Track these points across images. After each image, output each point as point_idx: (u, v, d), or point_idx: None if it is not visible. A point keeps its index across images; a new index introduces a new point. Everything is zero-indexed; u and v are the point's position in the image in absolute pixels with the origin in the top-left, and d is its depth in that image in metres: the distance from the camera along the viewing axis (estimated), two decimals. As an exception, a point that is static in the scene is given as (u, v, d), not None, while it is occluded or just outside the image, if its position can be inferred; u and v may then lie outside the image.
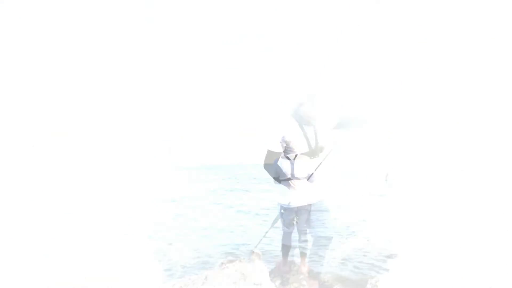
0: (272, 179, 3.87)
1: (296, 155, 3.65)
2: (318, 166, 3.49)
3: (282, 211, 3.69)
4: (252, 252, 2.91)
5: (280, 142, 3.78)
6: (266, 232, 3.75)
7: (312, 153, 3.79)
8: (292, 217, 3.63)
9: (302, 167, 3.59)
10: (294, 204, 3.56)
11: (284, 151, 3.72)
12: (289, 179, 3.59)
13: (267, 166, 3.81)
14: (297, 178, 3.57)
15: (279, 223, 3.84)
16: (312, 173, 3.69)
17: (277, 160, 3.72)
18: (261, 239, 3.63)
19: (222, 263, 2.80)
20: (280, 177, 3.69)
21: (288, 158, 3.63)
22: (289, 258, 3.85)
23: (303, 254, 3.69)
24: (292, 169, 3.57)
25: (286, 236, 3.70)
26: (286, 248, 3.70)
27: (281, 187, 3.70)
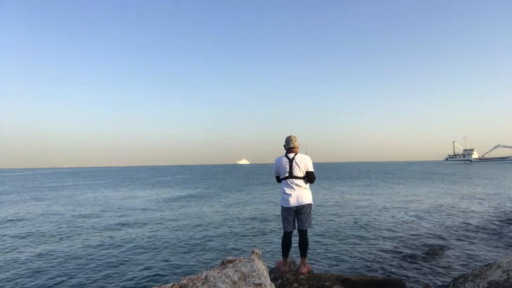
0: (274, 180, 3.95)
1: (295, 154, 3.70)
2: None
3: (282, 211, 3.70)
4: (252, 252, 2.93)
5: (284, 145, 3.83)
6: None
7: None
8: (292, 217, 3.66)
9: (301, 165, 3.63)
10: (294, 204, 3.59)
11: (286, 151, 3.77)
12: (287, 177, 3.63)
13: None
14: (296, 177, 3.61)
15: (280, 223, 3.87)
16: (312, 171, 3.73)
17: (278, 158, 3.76)
18: None
19: (222, 263, 2.80)
20: (280, 176, 3.74)
21: (287, 157, 3.68)
22: (289, 258, 3.88)
23: (303, 254, 3.70)
24: (291, 167, 3.61)
25: (286, 236, 3.70)
26: (286, 248, 3.71)
27: (281, 187, 3.72)
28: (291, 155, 3.69)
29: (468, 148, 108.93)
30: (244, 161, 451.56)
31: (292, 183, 3.61)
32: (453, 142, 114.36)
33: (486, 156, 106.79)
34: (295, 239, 3.74)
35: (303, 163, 3.66)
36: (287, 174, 3.64)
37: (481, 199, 15.46)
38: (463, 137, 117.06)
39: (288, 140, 3.77)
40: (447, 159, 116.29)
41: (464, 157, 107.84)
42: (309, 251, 4.07)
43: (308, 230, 3.72)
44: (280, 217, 3.78)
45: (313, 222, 3.94)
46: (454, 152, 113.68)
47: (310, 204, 3.69)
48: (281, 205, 3.70)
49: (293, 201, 3.58)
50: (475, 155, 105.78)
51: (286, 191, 3.63)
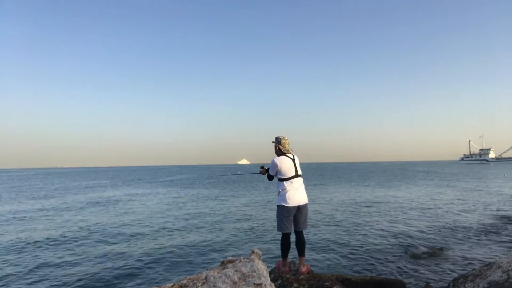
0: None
1: (293, 154, 3.83)
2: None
3: (283, 211, 3.70)
4: (252, 252, 3.07)
5: (274, 143, 3.89)
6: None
7: None
8: (292, 217, 3.72)
9: (298, 165, 3.80)
10: (298, 202, 3.67)
11: (280, 150, 3.83)
12: (294, 176, 3.70)
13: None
14: (300, 176, 3.76)
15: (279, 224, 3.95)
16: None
17: (281, 158, 3.76)
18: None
19: (222, 263, 2.90)
20: (283, 176, 3.71)
21: (288, 157, 3.77)
22: (289, 258, 3.98)
23: (301, 254, 3.82)
24: (295, 166, 3.76)
25: (286, 237, 3.77)
26: (286, 249, 3.80)
27: (283, 187, 3.71)
28: (290, 155, 3.81)
29: (484, 147, 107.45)
30: (244, 161, 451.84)
31: (297, 182, 3.72)
32: (469, 141, 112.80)
33: (504, 155, 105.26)
34: (294, 240, 3.87)
35: (298, 163, 3.84)
36: (293, 173, 3.71)
37: (481, 199, 15.61)
38: (480, 136, 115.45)
39: (284, 142, 3.85)
40: (462, 159, 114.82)
41: (480, 156, 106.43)
42: (309, 251, 4.18)
43: (307, 230, 3.83)
44: (278, 218, 3.78)
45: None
46: (470, 151, 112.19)
47: (307, 204, 3.81)
48: (282, 205, 3.67)
49: (297, 200, 3.66)
50: (491, 155, 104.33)
51: (292, 190, 3.67)
